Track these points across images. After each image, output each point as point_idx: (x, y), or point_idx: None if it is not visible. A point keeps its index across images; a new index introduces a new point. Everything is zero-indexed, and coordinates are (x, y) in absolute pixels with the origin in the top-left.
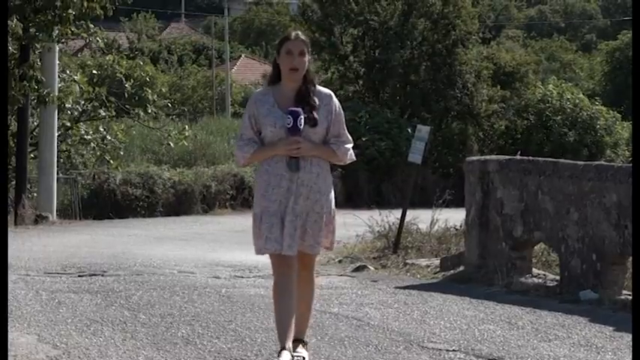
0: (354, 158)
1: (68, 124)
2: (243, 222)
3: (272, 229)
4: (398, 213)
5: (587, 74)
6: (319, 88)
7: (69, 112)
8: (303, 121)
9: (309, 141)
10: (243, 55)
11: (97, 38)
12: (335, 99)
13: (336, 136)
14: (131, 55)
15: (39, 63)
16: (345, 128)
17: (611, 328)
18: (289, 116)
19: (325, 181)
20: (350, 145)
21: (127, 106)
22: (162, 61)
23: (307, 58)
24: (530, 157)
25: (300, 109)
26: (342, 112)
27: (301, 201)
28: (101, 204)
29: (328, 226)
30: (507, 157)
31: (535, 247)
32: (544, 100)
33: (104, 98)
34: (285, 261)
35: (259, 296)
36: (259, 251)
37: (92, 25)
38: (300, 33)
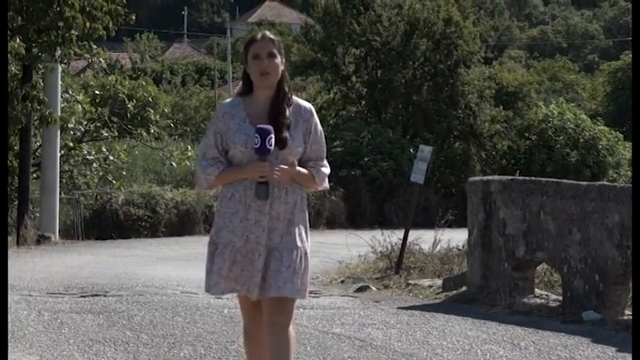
0: (327, 186)
1: (71, 144)
2: None
3: (234, 267)
4: (400, 233)
5: (590, 95)
6: (298, 100)
7: (71, 132)
8: (273, 141)
9: (280, 164)
10: None
11: (100, 59)
12: (315, 115)
13: (314, 159)
14: (134, 75)
15: (41, 83)
16: (325, 151)
17: (613, 349)
18: (257, 135)
19: (303, 211)
20: (328, 171)
21: (129, 127)
22: (164, 81)
23: (280, 60)
24: (533, 178)
25: (270, 127)
26: (322, 132)
27: (277, 236)
28: (103, 224)
29: (307, 264)
30: (510, 177)
31: (537, 268)
32: (546, 121)
33: (107, 118)
34: (256, 305)
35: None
36: (210, 289)
37: (95, 46)
38: (267, 32)
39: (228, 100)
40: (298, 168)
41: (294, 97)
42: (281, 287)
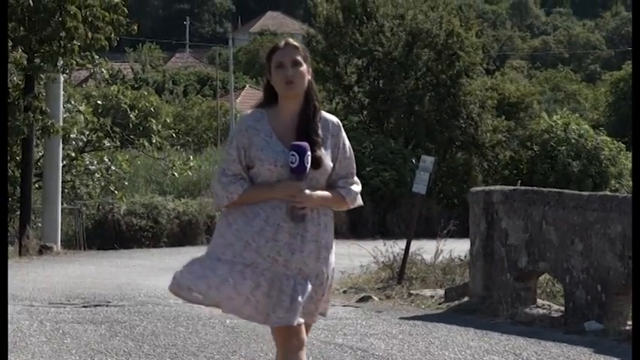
0: (361, 202)
1: (73, 154)
2: None
3: (256, 292)
4: (402, 243)
5: (592, 105)
6: (325, 114)
7: (73, 142)
8: (310, 159)
9: (316, 184)
10: (247, 86)
11: (102, 69)
12: (343, 130)
13: (344, 177)
14: (136, 85)
15: (44, 93)
16: (355, 167)
17: None
18: (294, 153)
19: (331, 232)
20: (359, 188)
21: (131, 137)
22: (166, 91)
23: (306, 68)
24: (535, 188)
25: (306, 145)
26: (350, 147)
27: (311, 261)
28: (105, 234)
29: (330, 288)
30: (512, 187)
31: (540, 278)
32: (548, 131)
33: (109, 129)
34: (298, 332)
35: (264, 327)
36: (221, 302)
37: (97, 56)
38: (291, 40)
39: (249, 112)
40: (326, 193)
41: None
42: (306, 315)
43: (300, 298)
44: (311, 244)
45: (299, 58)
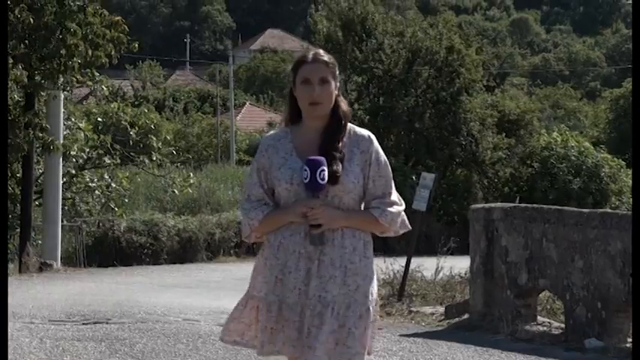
0: (408, 226)
1: (73, 171)
2: (247, 269)
3: (287, 328)
4: (402, 260)
5: (592, 122)
6: (355, 128)
7: (74, 159)
8: (326, 174)
9: (340, 204)
10: (247, 103)
11: (102, 86)
12: (376, 144)
13: (379, 196)
14: (136, 102)
15: (44, 111)
16: (393, 186)
17: None
18: (306, 168)
19: (367, 258)
20: (401, 209)
21: (131, 154)
22: (167, 108)
23: (334, 85)
24: (535, 205)
25: (321, 159)
26: (387, 162)
27: (334, 288)
28: (106, 251)
29: (374, 323)
30: (512, 204)
31: (540, 295)
32: (549, 148)
33: (109, 146)
34: None
35: None
36: (264, 350)
37: (97, 73)
38: (320, 52)
39: (273, 131)
40: (353, 211)
41: (350, 125)
42: (330, 350)
43: (314, 331)
44: (331, 268)
45: (328, 76)
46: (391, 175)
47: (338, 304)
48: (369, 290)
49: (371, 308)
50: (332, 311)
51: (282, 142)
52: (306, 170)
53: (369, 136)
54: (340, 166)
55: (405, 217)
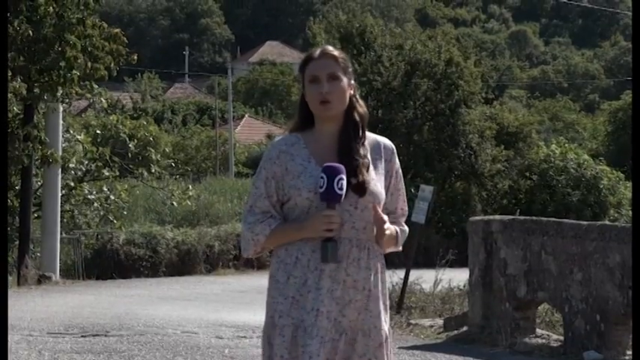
0: (400, 248)
1: (72, 184)
2: (246, 282)
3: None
4: (401, 273)
5: (590, 134)
6: (375, 136)
7: (72, 172)
8: (344, 184)
9: (362, 215)
10: (246, 115)
11: (101, 98)
12: (396, 155)
13: (393, 212)
14: (135, 115)
15: (43, 123)
16: (406, 201)
17: None
18: (322, 176)
19: (384, 282)
20: (407, 228)
21: (130, 166)
22: (165, 121)
23: (346, 82)
24: (534, 217)
25: (340, 166)
26: (402, 176)
27: (352, 313)
28: (104, 264)
29: (389, 352)
30: (511, 217)
31: (539, 308)
32: (547, 160)
33: (108, 158)
34: None
35: None
36: None
37: (96, 86)
38: (329, 47)
39: (281, 137)
40: (390, 225)
41: (368, 132)
42: None
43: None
44: (352, 291)
45: (338, 71)
46: (405, 191)
47: (355, 332)
48: (386, 317)
49: (389, 335)
50: (350, 339)
51: (295, 147)
52: (322, 177)
53: (392, 147)
54: (365, 175)
55: None
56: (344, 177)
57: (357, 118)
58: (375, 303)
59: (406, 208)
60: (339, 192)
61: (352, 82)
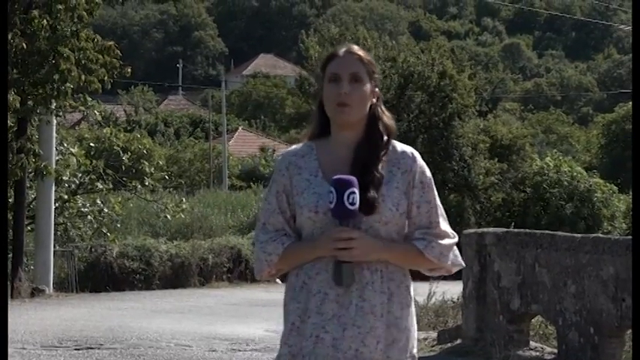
0: (462, 264)
1: (65, 196)
2: (240, 295)
3: None
4: None
5: (584, 147)
6: (396, 144)
7: (66, 184)
8: (357, 198)
9: (374, 234)
10: (240, 128)
11: (95, 111)
12: (420, 162)
13: (425, 226)
14: (128, 127)
15: (36, 136)
16: (443, 213)
17: None
18: (332, 190)
19: (409, 307)
20: (452, 242)
21: (124, 179)
22: (159, 133)
23: (370, 88)
24: (527, 230)
25: (352, 178)
26: (433, 185)
27: (373, 343)
28: (98, 277)
29: None
30: (504, 229)
31: (532, 320)
32: (541, 173)
33: (101, 171)
34: None
35: None
36: None
37: (90, 98)
38: (355, 46)
39: (294, 146)
40: (393, 242)
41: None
42: None
43: None
44: (371, 318)
45: (361, 73)
46: (438, 199)
47: None
48: (407, 346)
49: None
50: None
51: (305, 159)
52: (332, 192)
53: (412, 153)
54: (376, 191)
55: (458, 253)
56: (356, 190)
57: (382, 129)
58: (398, 331)
59: (441, 220)
60: (350, 207)
61: (377, 89)
